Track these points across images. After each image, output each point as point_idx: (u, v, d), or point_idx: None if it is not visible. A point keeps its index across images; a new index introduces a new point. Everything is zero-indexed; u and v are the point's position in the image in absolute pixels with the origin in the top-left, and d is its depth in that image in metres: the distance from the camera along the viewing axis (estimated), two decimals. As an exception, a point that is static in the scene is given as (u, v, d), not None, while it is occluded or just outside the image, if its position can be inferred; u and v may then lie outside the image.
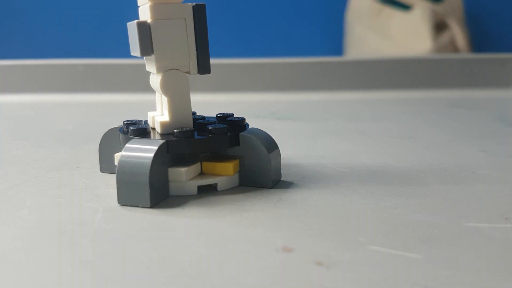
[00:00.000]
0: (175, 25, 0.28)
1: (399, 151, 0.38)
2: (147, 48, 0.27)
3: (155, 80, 0.29)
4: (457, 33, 1.13)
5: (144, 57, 0.29)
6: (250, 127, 0.30)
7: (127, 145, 0.27)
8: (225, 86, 0.68)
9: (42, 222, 0.24)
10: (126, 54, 0.32)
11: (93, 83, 0.69)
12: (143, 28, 0.27)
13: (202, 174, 0.29)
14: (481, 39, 1.32)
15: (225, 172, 0.28)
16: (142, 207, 0.26)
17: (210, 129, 0.28)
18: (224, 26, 1.37)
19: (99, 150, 0.32)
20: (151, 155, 0.26)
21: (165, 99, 0.29)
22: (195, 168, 0.28)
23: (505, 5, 1.38)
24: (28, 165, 0.34)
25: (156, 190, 0.26)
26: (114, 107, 0.63)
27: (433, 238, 0.22)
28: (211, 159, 0.29)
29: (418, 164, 0.34)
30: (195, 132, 0.28)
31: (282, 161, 0.31)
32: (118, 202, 0.26)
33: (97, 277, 0.19)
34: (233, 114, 0.31)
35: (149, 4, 0.27)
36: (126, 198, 0.26)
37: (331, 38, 1.39)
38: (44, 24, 1.41)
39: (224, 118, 0.31)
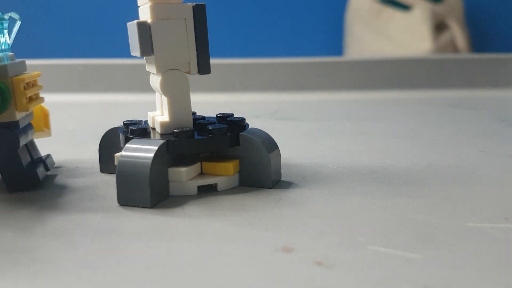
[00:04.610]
0: (175, 25, 0.28)
1: (399, 151, 0.38)
2: (147, 48, 0.27)
3: (155, 80, 0.29)
4: (457, 33, 1.13)
5: (144, 57, 0.29)
6: (250, 127, 0.30)
7: (127, 145, 0.27)
8: (225, 86, 0.68)
9: (42, 222, 0.24)
10: (126, 54, 0.32)
11: (93, 83, 0.69)
12: (143, 28, 0.27)
13: (202, 174, 0.29)
14: (481, 39, 1.32)
15: (225, 172, 0.28)
16: (142, 207, 0.26)
17: (210, 129, 0.28)
18: (224, 26, 1.37)
19: (99, 150, 0.32)
20: (151, 155, 0.26)
21: (165, 99, 0.29)
22: (195, 168, 0.28)
23: (505, 5, 1.38)
24: (28, 165, 0.34)
25: (156, 190, 0.26)
26: (114, 107, 0.63)
27: (433, 238, 0.22)
28: (211, 159, 0.29)
29: (418, 164, 0.34)
30: (195, 132, 0.28)
31: (282, 161, 0.31)
32: (118, 202, 0.26)
33: (97, 277, 0.19)
34: (233, 114, 0.31)
35: (149, 4, 0.27)
36: (126, 198, 0.26)
37: (331, 38, 1.39)
38: (44, 24, 1.41)
39: (224, 118, 0.31)
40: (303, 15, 1.42)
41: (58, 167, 0.34)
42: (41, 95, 0.31)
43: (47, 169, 0.31)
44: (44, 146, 0.40)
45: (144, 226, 0.24)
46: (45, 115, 0.34)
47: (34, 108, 0.31)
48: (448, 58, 0.74)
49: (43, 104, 0.33)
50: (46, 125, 0.34)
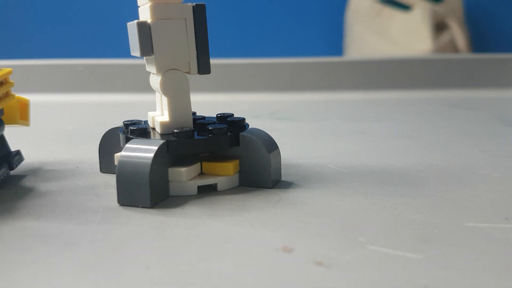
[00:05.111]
0: (175, 25, 0.28)
1: (399, 151, 0.38)
2: (147, 48, 0.27)
3: (155, 80, 0.29)
4: (457, 33, 1.13)
5: (144, 57, 0.29)
6: (250, 127, 0.30)
7: (127, 145, 0.27)
8: (225, 86, 0.68)
9: (42, 222, 0.24)
10: (126, 54, 0.32)
11: (93, 83, 0.69)
12: (143, 28, 0.27)
13: (202, 174, 0.29)
14: (481, 39, 1.32)
15: (225, 172, 0.28)
16: (142, 207, 0.26)
17: (210, 129, 0.28)
18: (224, 26, 1.37)
19: (99, 150, 0.32)
20: (151, 155, 0.26)
21: (165, 99, 0.29)
22: (195, 168, 0.28)
23: (505, 5, 1.38)
24: (29, 165, 0.34)
25: (156, 190, 0.26)
26: (114, 107, 0.63)
27: (433, 238, 0.22)
28: (211, 159, 0.29)
29: (418, 164, 0.34)
30: (195, 132, 0.28)
31: (282, 161, 0.31)
32: (118, 202, 0.26)
33: (97, 277, 0.19)
34: (233, 114, 0.31)
35: (149, 4, 0.27)
36: (126, 198, 0.26)
37: (331, 38, 1.39)
38: (44, 24, 1.41)
39: (224, 118, 0.31)
40: (303, 15, 1.42)
41: (58, 167, 0.34)
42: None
43: (11, 167, 0.30)
44: (44, 146, 0.41)
45: (144, 226, 0.24)
46: (23, 106, 0.33)
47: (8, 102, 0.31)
48: (448, 58, 0.74)
49: (22, 95, 0.32)
50: (23, 116, 0.33)
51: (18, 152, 0.32)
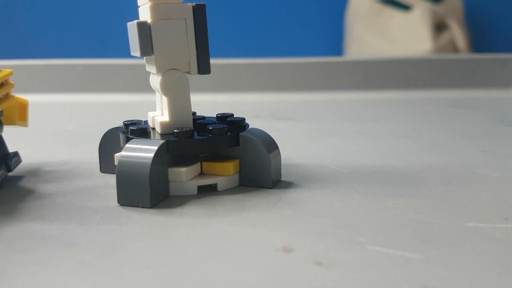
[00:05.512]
0: (175, 25, 0.28)
1: (399, 151, 0.38)
2: (147, 48, 0.27)
3: (155, 80, 0.29)
4: (457, 33, 1.13)
5: (144, 57, 0.29)
6: (250, 127, 0.30)
7: (127, 145, 0.27)
8: (225, 86, 0.68)
9: (42, 222, 0.24)
10: (126, 54, 0.32)
11: (93, 83, 0.69)
12: (143, 28, 0.27)
13: (202, 174, 0.29)
14: (481, 39, 1.32)
15: (225, 172, 0.28)
16: (142, 207, 0.26)
17: (210, 129, 0.28)
18: (224, 26, 1.37)
19: (99, 150, 0.32)
20: (151, 155, 0.26)
21: (165, 99, 0.29)
22: (195, 168, 0.28)
23: (505, 5, 1.38)
24: (29, 165, 0.34)
25: (156, 190, 0.26)
26: (114, 107, 0.63)
27: (433, 238, 0.22)
28: (211, 159, 0.29)
29: (418, 164, 0.34)
30: (195, 132, 0.28)
31: (282, 161, 0.31)
32: (118, 202, 0.26)
33: (97, 277, 0.19)
34: (233, 114, 0.31)
35: (149, 4, 0.27)
36: (126, 198, 0.26)
37: (331, 38, 1.39)
38: (44, 24, 1.41)
39: (224, 118, 0.31)
40: (303, 15, 1.42)
41: (58, 167, 0.34)
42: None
43: (9, 169, 0.30)
44: (44, 146, 0.41)
45: (144, 226, 0.24)
46: (22, 107, 0.33)
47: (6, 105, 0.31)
48: (448, 58, 0.74)
49: (21, 96, 0.32)
50: (22, 117, 0.33)
51: (16, 154, 0.32)
